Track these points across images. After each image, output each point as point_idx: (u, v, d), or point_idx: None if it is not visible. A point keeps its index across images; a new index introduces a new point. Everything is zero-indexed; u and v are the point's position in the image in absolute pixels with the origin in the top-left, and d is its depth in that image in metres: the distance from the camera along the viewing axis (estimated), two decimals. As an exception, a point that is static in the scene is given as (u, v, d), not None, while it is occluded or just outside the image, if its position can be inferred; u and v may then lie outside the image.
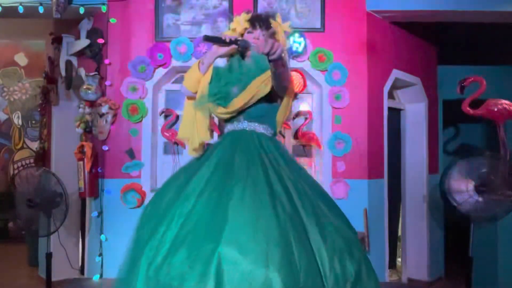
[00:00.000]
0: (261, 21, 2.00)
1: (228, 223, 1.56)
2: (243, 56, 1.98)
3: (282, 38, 2.04)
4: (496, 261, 4.20)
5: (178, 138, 2.37)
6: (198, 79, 1.95)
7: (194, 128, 1.96)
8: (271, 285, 1.44)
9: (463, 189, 3.48)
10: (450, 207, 3.57)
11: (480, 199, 3.45)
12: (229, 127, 1.99)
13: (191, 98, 2.01)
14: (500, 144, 3.82)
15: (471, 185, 3.47)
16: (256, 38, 1.97)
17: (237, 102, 1.90)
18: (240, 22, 2.02)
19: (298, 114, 3.73)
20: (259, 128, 1.95)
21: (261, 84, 1.89)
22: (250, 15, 2.03)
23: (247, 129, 1.95)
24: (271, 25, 2.00)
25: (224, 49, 1.92)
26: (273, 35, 2.00)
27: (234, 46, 1.90)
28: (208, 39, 1.85)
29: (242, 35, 2.02)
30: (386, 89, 3.97)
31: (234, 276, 1.45)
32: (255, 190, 1.67)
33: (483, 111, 3.80)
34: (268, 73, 1.85)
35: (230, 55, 2.02)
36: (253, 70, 1.92)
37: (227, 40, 1.87)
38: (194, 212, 1.68)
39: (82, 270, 3.96)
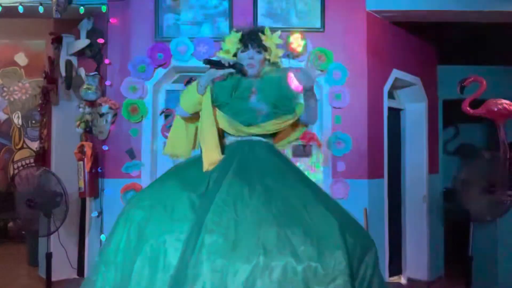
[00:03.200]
0: (252, 40, 2.05)
1: (302, 209, 1.76)
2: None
3: (274, 50, 2.10)
4: (496, 261, 4.20)
5: (164, 153, 2.34)
6: (198, 100, 1.98)
7: (188, 145, 2.18)
8: (345, 244, 1.69)
9: (470, 190, 3.49)
10: (451, 207, 3.58)
11: (485, 200, 3.46)
12: (234, 138, 2.04)
13: (185, 119, 2.10)
14: (500, 144, 3.82)
15: (477, 186, 3.48)
16: (251, 57, 2.04)
17: (268, 127, 2.01)
18: (232, 42, 2.07)
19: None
20: (263, 138, 2.04)
21: (290, 124, 2.08)
22: (240, 34, 2.07)
23: (254, 139, 2.03)
24: (262, 41, 2.05)
25: (221, 72, 1.97)
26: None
27: (231, 70, 1.98)
28: (208, 62, 1.94)
29: (235, 54, 2.07)
30: (386, 89, 3.97)
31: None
32: (296, 189, 1.88)
33: (483, 111, 3.79)
34: (295, 118, 2.08)
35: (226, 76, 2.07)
36: (277, 91, 2.02)
37: (226, 64, 1.94)
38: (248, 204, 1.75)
39: (82, 270, 3.96)
